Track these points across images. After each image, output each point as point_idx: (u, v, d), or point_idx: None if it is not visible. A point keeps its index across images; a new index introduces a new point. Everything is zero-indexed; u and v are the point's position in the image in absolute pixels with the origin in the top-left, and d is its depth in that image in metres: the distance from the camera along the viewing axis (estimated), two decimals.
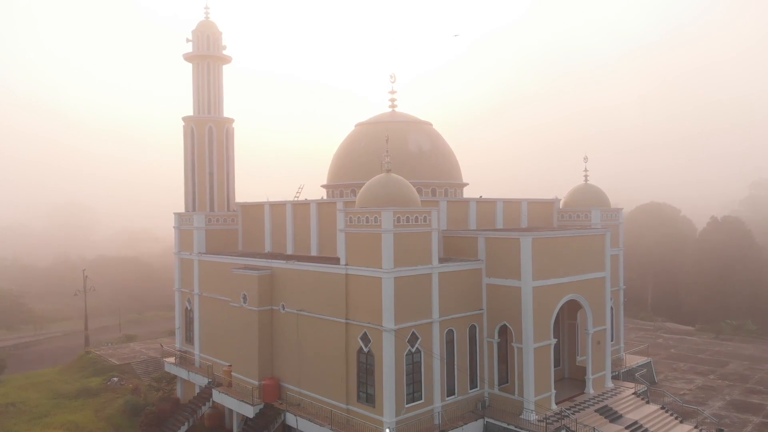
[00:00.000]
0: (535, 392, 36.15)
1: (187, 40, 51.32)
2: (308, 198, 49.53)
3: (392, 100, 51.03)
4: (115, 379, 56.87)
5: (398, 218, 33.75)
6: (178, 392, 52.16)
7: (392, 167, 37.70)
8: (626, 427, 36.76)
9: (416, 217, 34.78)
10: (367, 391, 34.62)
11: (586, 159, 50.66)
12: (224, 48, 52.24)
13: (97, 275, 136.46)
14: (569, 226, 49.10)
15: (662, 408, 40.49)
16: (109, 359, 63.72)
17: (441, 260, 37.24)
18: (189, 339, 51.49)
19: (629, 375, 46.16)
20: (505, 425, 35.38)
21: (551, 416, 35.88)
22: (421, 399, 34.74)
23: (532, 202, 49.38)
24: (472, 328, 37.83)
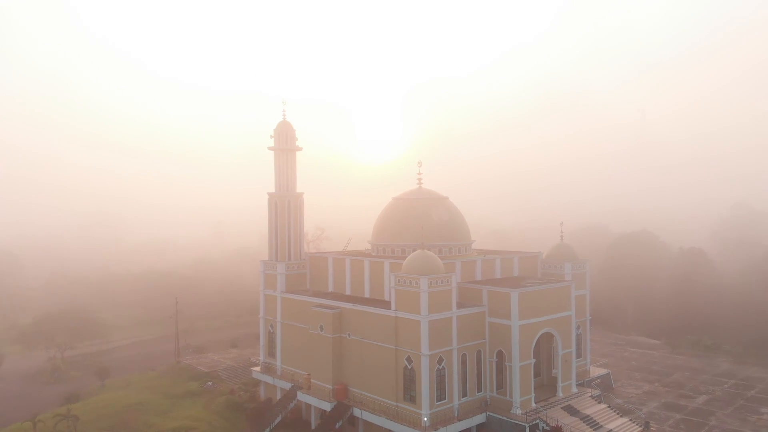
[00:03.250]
0: (520, 395, 54.62)
1: (270, 136, 70.07)
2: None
3: (419, 179, 69.55)
4: (209, 383, 75.39)
5: (431, 282, 52.23)
6: (261, 394, 70.63)
7: (421, 234, 56.67)
8: (581, 419, 55.20)
9: (442, 281, 53.28)
10: (410, 394, 53.13)
11: (562, 224, 69.16)
12: (296, 140, 70.93)
13: (145, 288, 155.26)
14: (549, 274, 67.50)
15: (608, 407, 58.96)
16: (198, 367, 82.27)
17: (458, 305, 55.69)
18: (271, 353, 70.08)
19: (590, 383, 64.61)
20: (500, 417, 53.89)
21: (531, 411, 54.28)
22: (445, 399, 53.25)
23: (522, 257, 67.91)
24: (479, 352, 56.29)
